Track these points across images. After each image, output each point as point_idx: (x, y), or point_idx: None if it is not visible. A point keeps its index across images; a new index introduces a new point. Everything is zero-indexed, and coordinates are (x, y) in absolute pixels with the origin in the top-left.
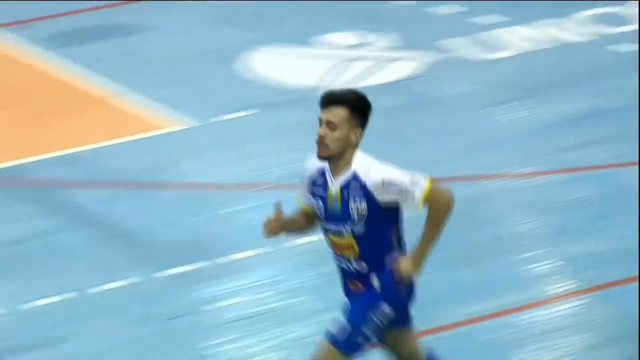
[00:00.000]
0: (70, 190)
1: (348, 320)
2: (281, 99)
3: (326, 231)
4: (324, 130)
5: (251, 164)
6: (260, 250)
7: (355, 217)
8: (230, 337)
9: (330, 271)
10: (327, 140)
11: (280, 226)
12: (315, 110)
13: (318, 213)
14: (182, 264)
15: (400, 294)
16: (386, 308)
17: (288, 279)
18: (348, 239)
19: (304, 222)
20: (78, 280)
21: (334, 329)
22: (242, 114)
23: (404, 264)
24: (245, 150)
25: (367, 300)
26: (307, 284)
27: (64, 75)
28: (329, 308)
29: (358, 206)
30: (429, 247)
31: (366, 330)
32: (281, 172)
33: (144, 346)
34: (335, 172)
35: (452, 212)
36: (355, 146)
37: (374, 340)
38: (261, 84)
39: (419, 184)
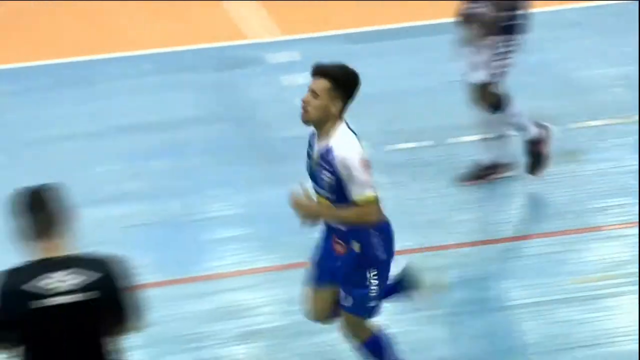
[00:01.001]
0: None
1: (354, 296)
2: None
3: None
4: (307, 96)
5: None
6: None
7: (325, 185)
8: None
9: None
10: (309, 107)
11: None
12: None
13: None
14: None
15: (380, 253)
16: (372, 271)
17: None
18: (325, 201)
19: None
20: None
21: (347, 303)
22: None
23: (307, 204)
24: None
25: (355, 270)
26: None
27: None
28: None
29: (328, 177)
30: (334, 216)
31: (373, 296)
32: None
33: None
34: (318, 139)
35: (365, 225)
36: (336, 118)
37: (384, 298)
38: None
39: (364, 190)
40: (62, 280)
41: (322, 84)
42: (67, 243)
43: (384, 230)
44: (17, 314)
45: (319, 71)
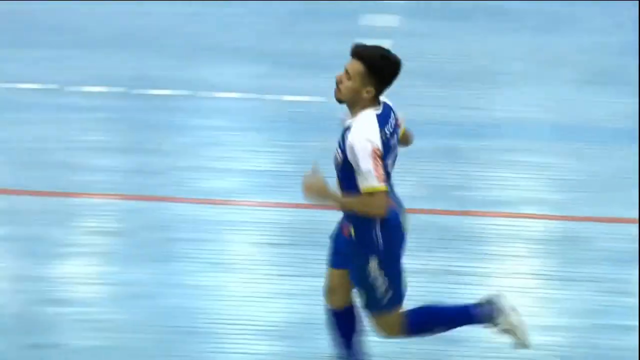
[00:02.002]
0: None
1: (361, 291)
2: None
3: None
4: (341, 75)
5: None
6: None
7: (335, 162)
8: None
9: None
10: (341, 86)
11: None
12: None
13: None
14: None
15: (378, 241)
16: (373, 259)
17: None
18: (336, 178)
19: None
20: None
21: (362, 302)
22: None
23: (318, 183)
24: None
25: (355, 257)
26: None
27: None
28: None
29: (339, 154)
30: (342, 203)
31: (380, 288)
32: None
33: None
34: (348, 118)
35: (369, 216)
36: (366, 103)
37: (397, 284)
38: None
39: (369, 180)
40: None
41: (357, 66)
42: None
43: (386, 220)
44: None
45: (356, 53)
